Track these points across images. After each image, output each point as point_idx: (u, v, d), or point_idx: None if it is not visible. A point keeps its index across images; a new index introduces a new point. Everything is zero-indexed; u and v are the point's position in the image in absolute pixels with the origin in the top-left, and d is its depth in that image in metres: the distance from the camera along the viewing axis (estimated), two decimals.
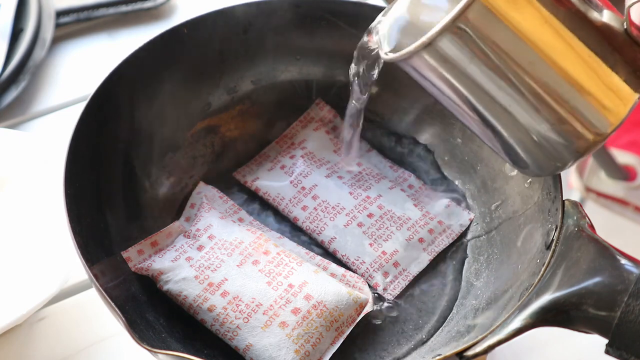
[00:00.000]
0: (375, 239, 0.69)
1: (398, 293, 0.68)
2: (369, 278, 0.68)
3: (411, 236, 0.70)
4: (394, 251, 0.69)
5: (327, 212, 0.71)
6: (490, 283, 0.67)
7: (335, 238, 0.70)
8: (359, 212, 0.71)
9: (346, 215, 0.70)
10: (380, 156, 0.76)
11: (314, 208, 0.71)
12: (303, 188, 0.72)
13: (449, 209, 0.73)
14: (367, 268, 0.68)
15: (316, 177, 0.73)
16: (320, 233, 0.71)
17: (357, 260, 0.69)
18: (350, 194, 0.72)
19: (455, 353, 0.53)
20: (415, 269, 0.69)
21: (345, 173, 0.74)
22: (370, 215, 0.70)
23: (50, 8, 0.91)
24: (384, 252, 0.69)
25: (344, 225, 0.70)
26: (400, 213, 0.71)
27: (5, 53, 0.85)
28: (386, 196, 0.72)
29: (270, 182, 0.74)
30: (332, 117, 0.77)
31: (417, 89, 0.74)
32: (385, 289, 0.68)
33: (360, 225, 0.70)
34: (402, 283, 0.69)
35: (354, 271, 0.69)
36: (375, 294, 0.68)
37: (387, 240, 0.69)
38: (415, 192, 0.74)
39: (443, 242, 0.71)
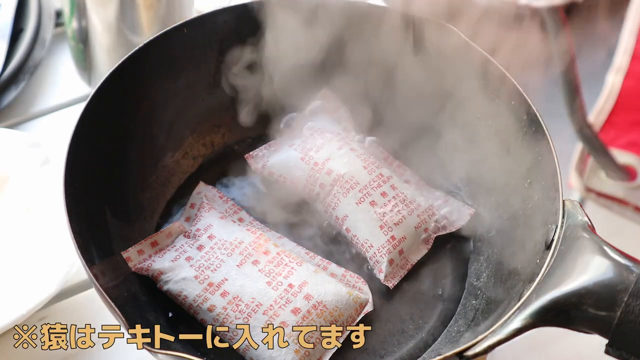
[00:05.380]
0: (386, 222, 0.69)
1: (397, 282, 0.68)
2: (375, 263, 0.68)
3: (419, 224, 0.70)
4: (402, 237, 0.69)
5: (341, 187, 0.70)
6: (490, 283, 0.67)
7: (347, 216, 0.70)
8: (372, 188, 0.70)
9: (359, 191, 0.70)
10: (380, 148, 0.76)
11: (331, 184, 0.71)
12: (316, 164, 0.72)
13: (448, 203, 0.73)
14: (375, 253, 0.68)
15: (328, 151, 0.72)
16: (335, 208, 0.70)
17: (366, 243, 0.69)
18: (365, 167, 0.71)
19: (455, 353, 0.53)
20: (414, 259, 0.69)
21: (357, 146, 0.73)
22: (383, 194, 0.70)
23: (50, 8, 0.91)
24: (392, 237, 0.68)
25: (356, 203, 0.69)
26: (412, 197, 0.71)
27: (5, 53, 0.85)
28: (396, 178, 0.72)
29: (282, 163, 0.73)
30: (337, 108, 0.77)
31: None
32: (386, 277, 0.68)
33: (372, 204, 0.69)
34: (402, 272, 0.69)
35: (362, 253, 0.69)
36: (377, 278, 0.68)
37: (398, 224, 0.69)
38: (414, 187, 0.74)
39: (441, 233, 0.71)
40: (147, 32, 0.78)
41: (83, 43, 0.81)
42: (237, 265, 0.65)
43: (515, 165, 0.67)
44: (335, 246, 0.72)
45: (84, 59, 0.83)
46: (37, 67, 0.87)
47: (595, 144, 1.08)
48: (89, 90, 0.66)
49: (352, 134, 0.76)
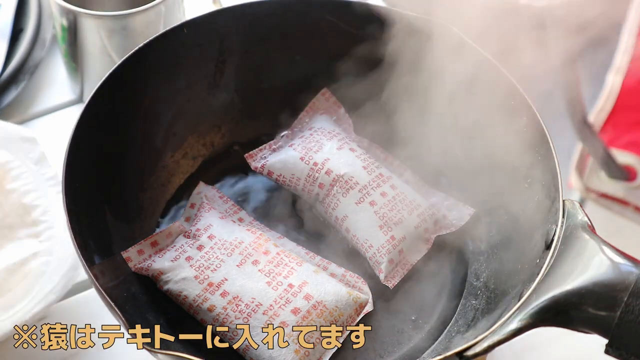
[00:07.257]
0: (386, 222, 0.69)
1: (397, 282, 0.68)
2: (375, 263, 0.68)
3: (419, 224, 0.70)
4: (402, 237, 0.69)
5: (340, 187, 0.70)
6: (490, 283, 0.67)
7: (347, 217, 0.70)
8: (372, 188, 0.70)
9: (359, 191, 0.70)
10: (380, 148, 0.76)
11: (330, 185, 0.71)
12: (315, 164, 0.71)
13: (448, 203, 0.73)
14: (375, 253, 0.68)
15: (328, 151, 0.72)
16: (335, 208, 0.70)
17: (366, 243, 0.69)
18: (364, 168, 0.71)
19: (455, 353, 0.53)
20: (414, 259, 0.69)
21: (357, 146, 0.73)
22: (383, 194, 0.70)
23: (51, 8, 0.91)
24: (392, 237, 0.68)
25: (356, 203, 0.69)
26: (412, 197, 0.71)
27: (5, 53, 0.85)
28: (396, 178, 0.72)
29: (281, 163, 0.72)
30: (337, 108, 0.77)
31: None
32: (386, 277, 0.68)
33: (372, 204, 0.69)
34: (401, 272, 0.69)
35: (362, 254, 0.69)
36: (377, 278, 0.68)
37: (397, 224, 0.69)
38: (414, 187, 0.74)
39: (441, 233, 0.71)
40: None
41: (75, 62, 0.82)
42: (237, 265, 0.65)
43: (515, 165, 0.67)
44: (335, 246, 0.72)
45: (77, 76, 0.84)
46: (37, 67, 0.86)
47: (595, 144, 1.08)
48: (87, 92, 0.66)
49: (352, 134, 0.76)
